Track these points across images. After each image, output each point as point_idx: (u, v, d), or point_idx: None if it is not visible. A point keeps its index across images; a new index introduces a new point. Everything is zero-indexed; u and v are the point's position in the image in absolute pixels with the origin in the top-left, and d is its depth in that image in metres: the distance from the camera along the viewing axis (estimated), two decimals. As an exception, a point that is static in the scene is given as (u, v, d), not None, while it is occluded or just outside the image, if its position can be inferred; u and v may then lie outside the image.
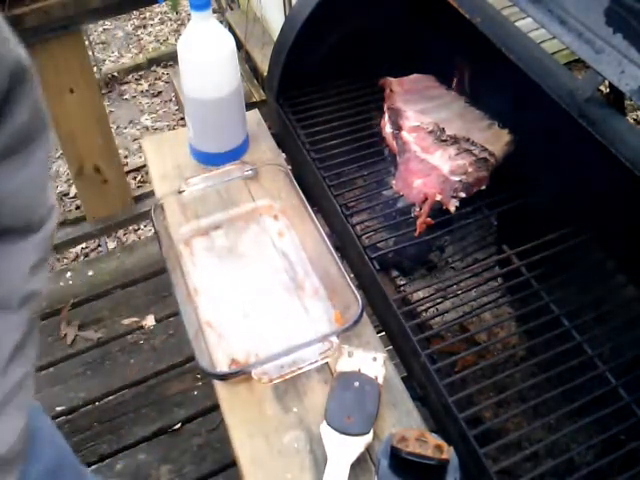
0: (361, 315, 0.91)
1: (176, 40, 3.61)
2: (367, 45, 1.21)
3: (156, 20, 3.94)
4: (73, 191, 2.77)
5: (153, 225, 1.06)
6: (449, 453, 0.68)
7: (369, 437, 0.82)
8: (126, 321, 1.92)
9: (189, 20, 1.09)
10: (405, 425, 0.86)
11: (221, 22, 3.21)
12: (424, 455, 0.67)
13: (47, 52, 1.73)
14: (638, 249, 0.88)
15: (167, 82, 3.44)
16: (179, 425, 1.69)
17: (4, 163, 0.61)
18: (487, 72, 1.11)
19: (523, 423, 0.88)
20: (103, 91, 3.36)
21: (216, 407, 0.99)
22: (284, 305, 1.02)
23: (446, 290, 1.00)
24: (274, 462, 0.83)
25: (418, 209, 1.03)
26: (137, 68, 3.56)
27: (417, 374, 0.91)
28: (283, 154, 1.30)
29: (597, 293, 0.94)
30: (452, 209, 1.02)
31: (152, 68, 3.56)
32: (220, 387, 0.91)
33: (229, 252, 1.11)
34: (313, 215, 1.06)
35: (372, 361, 0.89)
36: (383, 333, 1.03)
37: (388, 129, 1.14)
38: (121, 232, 2.65)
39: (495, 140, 1.09)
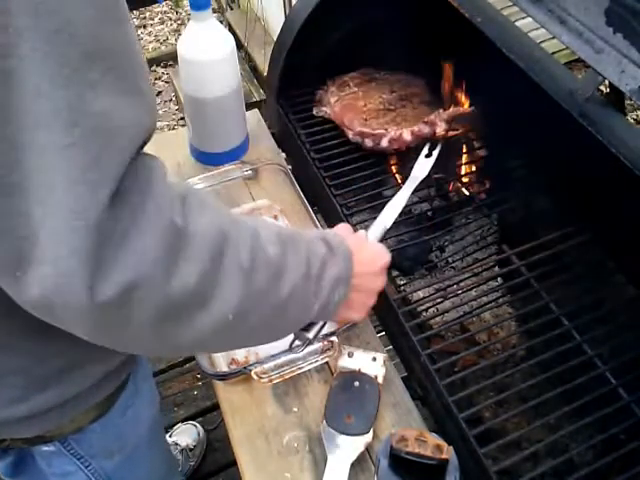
0: (361, 315, 0.91)
1: (176, 40, 3.61)
2: (367, 45, 1.21)
3: (156, 20, 3.94)
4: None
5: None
6: (449, 453, 0.68)
7: (369, 437, 0.82)
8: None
9: (189, 20, 1.09)
10: (405, 425, 0.85)
11: (221, 22, 3.21)
12: (424, 455, 0.67)
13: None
14: (638, 249, 0.88)
15: (167, 82, 3.44)
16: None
17: None
18: (487, 72, 1.11)
19: (523, 423, 0.88)
20: (103, 91, 3.36)
21: (216, 407, 0.99)
22: (284, 305, 1.02)
23: (446, 290, 1.00)
24: (274, 462, 0.83)
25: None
26: (137, 68, 3.55)
27: (417, 374, 0.91)
28: (283, 154, 1.30)
29: (597, 293, 0.94)
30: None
31: (152, 68, 3.56)
32: (220, 387, 0.91)
33: (229, 252, 1.10)
34: (313, 215, 1.06)
35: (372, 361, 0.89)
36: (383, 333, 1.03)
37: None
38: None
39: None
